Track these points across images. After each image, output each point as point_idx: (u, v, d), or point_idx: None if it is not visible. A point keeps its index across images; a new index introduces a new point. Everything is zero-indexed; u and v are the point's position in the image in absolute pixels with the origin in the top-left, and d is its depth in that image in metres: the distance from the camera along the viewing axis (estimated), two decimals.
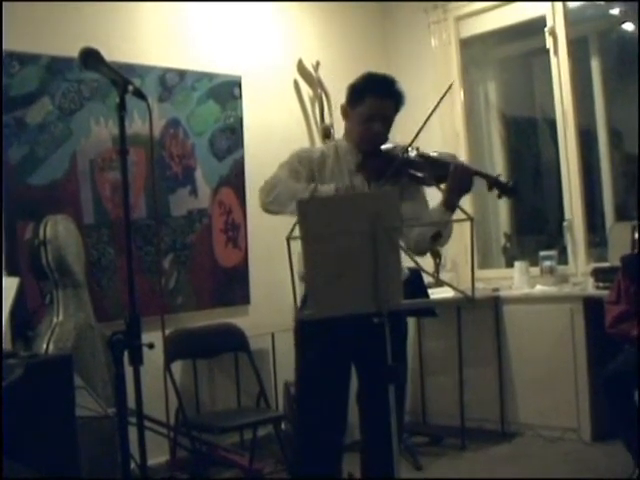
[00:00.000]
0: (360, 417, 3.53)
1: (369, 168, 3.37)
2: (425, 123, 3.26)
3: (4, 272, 4.30)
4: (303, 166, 3.40)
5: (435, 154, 3.41)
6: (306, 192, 3.21)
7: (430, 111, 3.23)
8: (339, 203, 2.91)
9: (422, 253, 3.42)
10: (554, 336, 5.36)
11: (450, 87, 3.18)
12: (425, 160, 3.36)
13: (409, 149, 3.38)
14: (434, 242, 3.35)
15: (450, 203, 3.24)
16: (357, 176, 3.40)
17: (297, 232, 2.77)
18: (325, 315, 2.80)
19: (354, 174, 3.41)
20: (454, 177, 3.24)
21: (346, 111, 3.48)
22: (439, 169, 3.32)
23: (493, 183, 3.32)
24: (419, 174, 3.35)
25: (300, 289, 3.08)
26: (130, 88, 2.54)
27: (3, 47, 4.40)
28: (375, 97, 3.36)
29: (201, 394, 5.23)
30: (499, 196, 3.35)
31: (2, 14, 4.36)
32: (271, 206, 3.33)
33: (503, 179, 3.35)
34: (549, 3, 5.77)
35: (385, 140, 3.43)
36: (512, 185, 3.33)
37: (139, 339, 2.49)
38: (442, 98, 3.28)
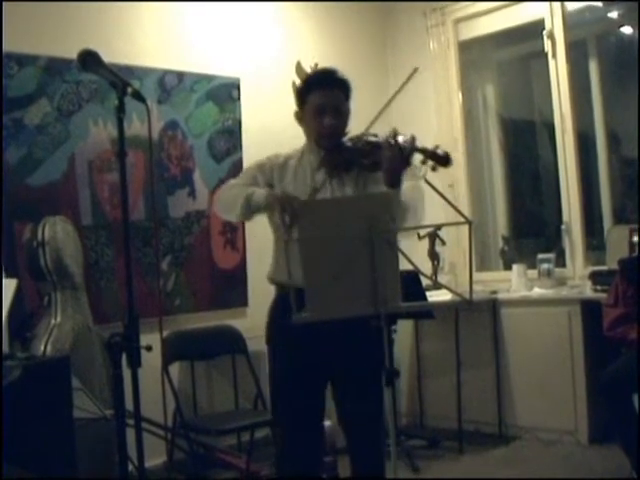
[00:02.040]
0: (341, 426, 3.50)
1: (330, 164, 3.34)
2: (383, 109, 3.21)
3: (3, 273, 4.29)
4: (262, 173, 3.41)
5: (377, 138, 3.35)
6: (242, 197, 3.23)
7: (391, 96, 3.18)
8: (336, 205, 2.92)
9: None
10: (552, 339, 5.36)
11: (415, 71, 3.09)
12: (370, 146, 3.32)
13: (360, 138, 3.35)
14: None
15: (388, 181, 3.17)
16: (319, 173, 3.38)
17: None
18: (322, 318, 2.80)
19: (316, 171, 3.38)
20: (384, 156, 3.18)
21: (299, 114, 3.49)
22: (378, 151, 3.27)
23: (429, 156, 3.18)
24: (366, 161, 3.32)
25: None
26: (129, 90, 2.55)
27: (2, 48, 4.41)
28: (319, 90, 3.36)
29: (199, 396, 5.22)
30: (433, 168, 3.18)
31: (2, 15, 4.36)
32: (222, 215, 3.50)
33: (440, 151, 3.19)
34: (548, 6, 5.78)
35: (341, 132, 3.39)
36: (445, 154, 3.17)
37: (137, 341, 2.49)
38: (405, 82, 3.21)
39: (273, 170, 3.41)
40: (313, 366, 3.34)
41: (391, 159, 3.16)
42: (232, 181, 3.51)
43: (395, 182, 3.16)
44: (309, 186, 3.36)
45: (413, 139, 3.21)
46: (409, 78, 3.15)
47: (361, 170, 3.36)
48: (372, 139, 3.35)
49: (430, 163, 3.17)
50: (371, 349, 3.20)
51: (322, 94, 3.35)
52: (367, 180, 3.37)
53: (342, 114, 3.39)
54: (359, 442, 3.42)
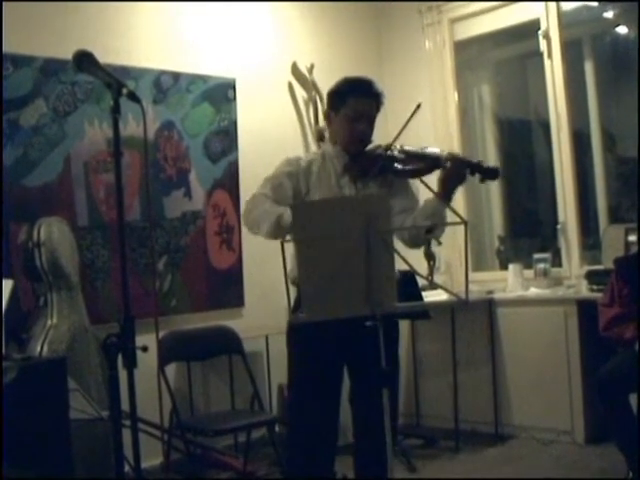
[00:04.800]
0: (353, 419, 3.55)
1: (355, 169, 3.43)
2: (402, 131, 3.31)
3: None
4: (289, 178, 3.44)
5: (416, 149, 3.49)
6: (272, 215, 3.27)
7: (401, 127, 3.29)
8: (332, 206, 2.92)
9: (418, 246, 3.51)
10: (548, 339, 5.37)
11: (418, 107, 3.26)
12: (407, 155, 3.44)
13: (392, 147, 3.45)
14: (429, 234, 3.41)
15: (446, 194, 3.30)
16: (344, 178, 3.47)
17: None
18: (319, 318, 2.80)
19: (341, 176, 3.47)
20: (449, 168, 3.32)
21: (329, 116, 3.56)
22: (422, 162, 3.41)
23: (475, 168, 3.36)
24: (402, 167, 3.43)
25: (292, 292, 3.11)
26: (124, 91, 2.53)
27: None
28: (357, 98, 3.44)
29: (195, 396, 5.22)
30: (481, 180, 3.37)
31: (2, 16, 4.36)
32: (248, 228, 3.45)
33: (485, 164, 3.40)
34: (543, 5, 5.78)
35: (370, 140, 3.49)
36: (494, 167, 3.39)
37: (133, 342, 2.48)
38: (411, 117, 3.30)
39: (299, 175, 3.46)
40: (331, 364, 3.42)
41: (454, 174, 3.31)
42: (260, 190, 3.47)
43: (451, 196, 3.32)
44: (334, 191, 3.42)
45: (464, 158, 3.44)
46: (413, 114, 3.27)
47: (391, 175, 3.46)
48: (416, 149, 3.47)
49: (478, 176, 3.34)
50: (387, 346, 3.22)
51: (361, 101, 3.44)
52: (393, 187, 3.45)
53: (372, 123, 3.49)
54: (367, 439, 3.45)
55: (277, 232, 3.26)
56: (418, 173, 3.42)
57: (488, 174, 3.35)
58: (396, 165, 3.43)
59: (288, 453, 3.68)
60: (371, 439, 3.38)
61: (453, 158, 3.37)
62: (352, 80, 3.53)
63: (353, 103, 3.44)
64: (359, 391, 3.49)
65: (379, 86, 3.53)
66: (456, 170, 3.31)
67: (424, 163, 3.40)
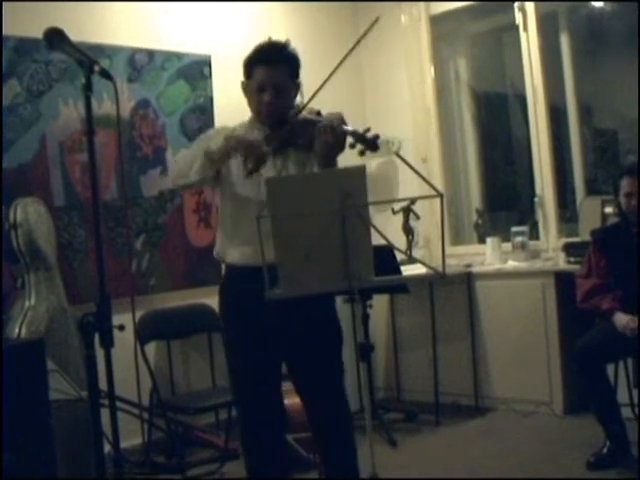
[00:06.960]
0: (304, 406, 3.46)
1: (274, 139, 3.22)
2: (326, 81, 3.14)
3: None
4: (213, 143, 3.24)
5: (312, 115, 3.26)
6: (199, 156, 3.14)
7: (338, 63, 3.11)
8: (308, 181, 2.91)
9: None
10: (526, 311, 5.40)
11: (376, 21, 3.02)
12: (306, 126, 3.21)
13: (299, 114, 3.26)
14: None
15: (324, 164, 3.11)
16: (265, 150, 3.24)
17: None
18: (295, 294, 2.80)
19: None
20: (319, 140, 3.10)
21: (244, 85, 3.37)
22: (312, 131, 3.18)
23: (358, 139, 3.07)
24: (300, 141, 3.24)
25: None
26: (96, 68, 2.52)
27: None
28: (263, 66, 3.24)
29: (175, 375, 5.22)
30: (361, 152, 3.06)
31: (2, 14, 4.32)
32: (177, 181, 3.30)
33: (369, 134, 3.06)
34: None
35: (281, 110, 3.27)
36: (374, 138, 3.04)
37: (109, 321, 2.48)
38: (365, 33, 3.09)
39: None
40: (268, 342, 3.32)
41: (326, 143, 3.09)
42: (184, 150, 3.47)
43: (330, 166, 3.10)
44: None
45: (342, 121, 3.14)
46: (370, 28, 3.04)
47: (297, 150, 3.27)
48: (309, 117, 3.24)
49: (359, 147, 3.06)
50: (326, 323, 3.22)
51: (265, 70, 3.24)
52: (310, 159, 3.27)
53: (284, 92, 3.28)
54: (323, 421, 3.39)
55: (209, 165, 3.15)
56: (310, 147, 3.20)
57: (369, 145, 3.05)
58: (297, 139, 3.23)
59: (240, 437, 3.55)
60: (332, 427, 3.35)
61: (321, 128, 3.11)
62: (260, 47, 3.31)
63: (258, 73, 3.23)
64: (304, 377, 3.40)
65: (291, 50, 3.30)
66: (325, 140, 3.08)
67: (312, 133, 3.16)
